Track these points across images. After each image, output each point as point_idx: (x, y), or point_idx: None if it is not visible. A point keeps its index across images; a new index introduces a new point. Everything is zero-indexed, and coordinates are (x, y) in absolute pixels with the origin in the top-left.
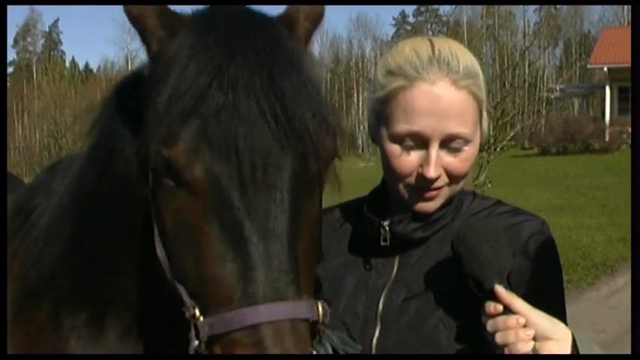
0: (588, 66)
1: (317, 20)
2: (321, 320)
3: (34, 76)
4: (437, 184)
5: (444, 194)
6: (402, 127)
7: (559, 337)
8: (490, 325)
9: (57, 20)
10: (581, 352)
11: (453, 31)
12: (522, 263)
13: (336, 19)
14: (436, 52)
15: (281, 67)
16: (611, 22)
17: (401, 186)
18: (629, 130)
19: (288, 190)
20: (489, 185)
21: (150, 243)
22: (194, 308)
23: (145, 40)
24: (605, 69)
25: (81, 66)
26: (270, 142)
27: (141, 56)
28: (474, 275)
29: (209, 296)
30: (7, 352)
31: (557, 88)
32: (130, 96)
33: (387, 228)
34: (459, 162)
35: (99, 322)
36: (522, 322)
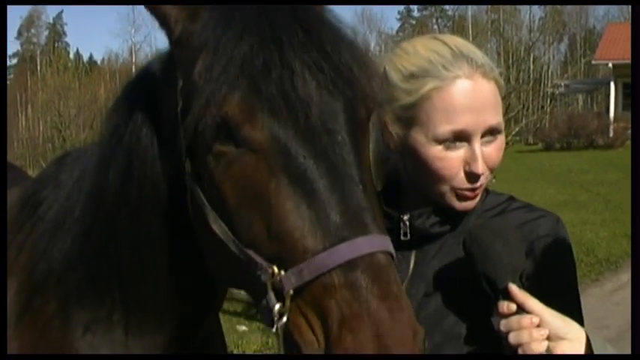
0: (593, 62)
1: None
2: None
3: (38, 67)
4: (481, 178)
5: (483, 188)
6: (444, 127)
7: (573, 336)
8: (503, 324)
9: (61, 12)
10: (595, 352)
11: (459, 26)
12: (537, 261)
13: (340, 13)
14: (454, 48)
15: (315, 21)
16: (616, 18)
17: (444, 188)
18: None
19: (347, 133)
20: (494, 181)
21: (177, 241)
22: (270, 267)
23: (165, 24)
24: (610, 65)
25: (85, 58)
26: (321, 90)
27: (145, 49)
28: (487, 275)
29: (290, 250)
30: (15, 343)
31: (562, 83)
32: (143, 93)
33: (407, 223)
34: (495, 151)
35: (112, 318)
36: (536, 322)
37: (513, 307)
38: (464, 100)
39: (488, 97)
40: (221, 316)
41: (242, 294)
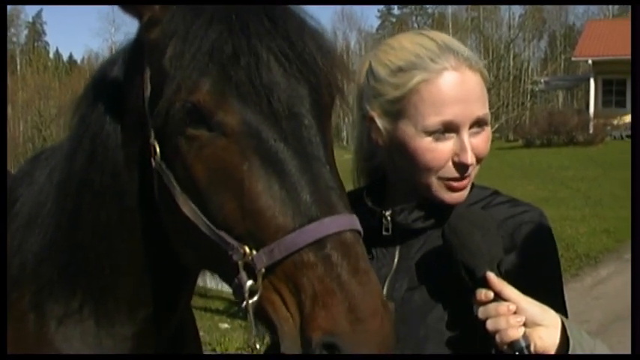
0: (573, 58)
1: None
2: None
3: (18, 67)
4: (470, 169)
5: (471, 180)
6: (433, 119)
7: (549, 323)
8: (481, 312)
9: (40, 10)
10: (571, 338)
11: (438, 24)
12: (522, 254)
13: (320, 11)
14: (440, 41)
15: (280, 12)
16: (595, 15)
17: (433, 179)
18: (614, 122)
19: (312, 117)
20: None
21: (140, 227)
22: (242, 247)
23: (135, 10)
24: (590, 61)
25: (65, 57)
26: (287, 77)
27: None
28: (466, 264)
29: (262, 229)
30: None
31: (542, 80)
32: (108, 84)
33: (389, 218)
34: (482, 142)
35: (83, 310)
36: (513, 309)
37: (491, 294)
38: (452, 92)
39: (475, 88)
40: (203, 314)
41: (224, 292)
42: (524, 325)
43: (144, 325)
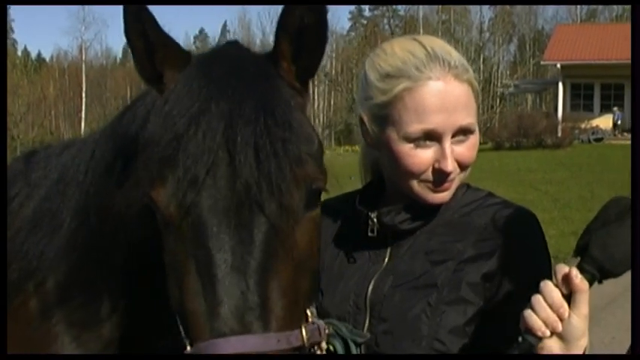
0: (542, 62)
1: (314, 54)
2: (309, 342)
3: None
4: (451, 176)
5: (456, 184)
6: (415, 127)
7: (575, 346)
8: (542, 286)
9: (8, 7)
10: None
11: (410, 26)
12: (516, 253)
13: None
14: (429, 49)
15: (252, 114)
16: (564, 20)
17: (414, 183)
18: (581, 126)
19: (259, 229)
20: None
21: (150, 272)
22: (185, 339)
23: (156, 82)
24: (559, 65)
25: (33, 55)
26: (243, 187)
27: (95, 47)
28: (603, 264)
29: (191, 329)
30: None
31: (512, 83)
32: (128, 134)
33: (374, 219)
34: (467, 151)
35: (98, 316)
36: (563, 313)
37: (564, 292)
38: (435, 101)
39: (460, 98)
40: None
41: None
42: (559, 336)
43: (128, 331)
